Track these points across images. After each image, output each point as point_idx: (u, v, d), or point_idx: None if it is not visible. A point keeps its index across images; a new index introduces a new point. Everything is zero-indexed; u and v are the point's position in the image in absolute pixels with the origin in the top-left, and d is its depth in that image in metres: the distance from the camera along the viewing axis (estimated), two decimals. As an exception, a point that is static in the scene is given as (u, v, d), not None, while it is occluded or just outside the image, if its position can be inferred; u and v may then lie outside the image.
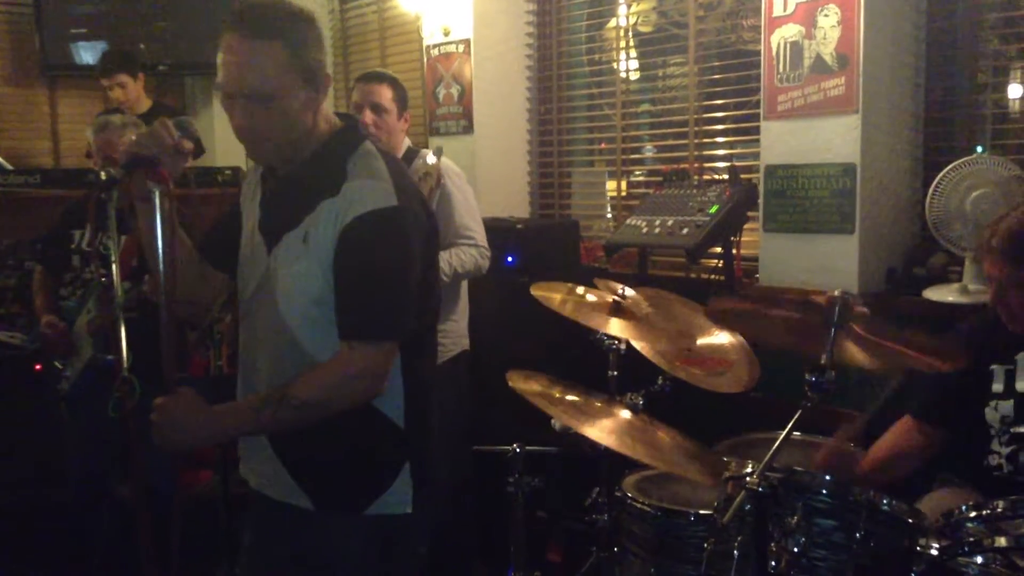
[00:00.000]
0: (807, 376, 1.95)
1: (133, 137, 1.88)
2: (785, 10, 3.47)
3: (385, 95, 3.29)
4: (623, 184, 4.68)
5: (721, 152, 4.21)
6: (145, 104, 5.18)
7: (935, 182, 3.14)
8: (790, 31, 3.46)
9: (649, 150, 4.67)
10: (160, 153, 1.83)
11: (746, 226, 3.75)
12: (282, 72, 1.81)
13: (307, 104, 1.87)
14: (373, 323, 1.86)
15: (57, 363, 3.54)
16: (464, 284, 3.53)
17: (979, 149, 3.43)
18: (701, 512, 2.45)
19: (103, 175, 1.85)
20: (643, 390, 2.71)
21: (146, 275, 3.25)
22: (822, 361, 1.95)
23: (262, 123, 1.85)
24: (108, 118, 3.60)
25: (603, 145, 4.74)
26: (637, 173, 4.71)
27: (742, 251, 3.83)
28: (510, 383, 2.42)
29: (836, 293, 2.01)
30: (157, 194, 1.85)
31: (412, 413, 1.96)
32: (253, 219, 2.02)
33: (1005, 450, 2.42)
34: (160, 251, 1.87)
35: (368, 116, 3.23)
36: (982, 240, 2.47)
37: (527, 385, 2.44)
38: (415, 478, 1.95)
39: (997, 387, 2.45)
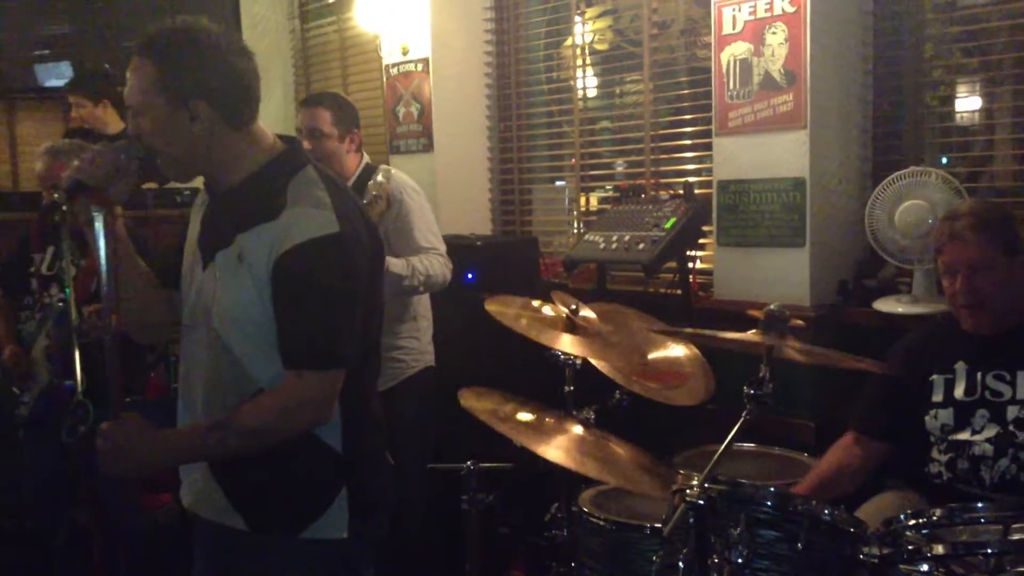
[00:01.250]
0: (746, 389, 1.99)
1: (76, 163, 1.90)
2: (734, 28, 3.53)
3: (324, 119, 3.27)
4: (582, 200, 4.73)
5: (677, 168, 4.26)
6: (116, 126, 5.14)
7: (872, 196, 3.22)
8: (739, 49, 3.53)
9: (615, 165, 4.72)
10: (101, 178, 1.85)
11: (702, 240, 3.81)
12: (146, 90, 1.87)
13: (181, 127, 1.87)
14: (319, 352, 1.87)
15: (15, 388, 3.53)
16: (426, 301, 3.55)
17: (944, 160, 3.51)
18: (655, 525, 2.48)
19: (54, 197, 1.87)
20: (597, 405, 2.75)
21: (91, 306, 3.24)
22: (760, 373, 2.00)
23: (143, 134, 1.90)
24: (56, 143, 3.61)
25: (573, 161, 4.79)
26: (606, 187, 4.75)
27: (699, 265, 3.89)
28: (462, 402, 2.44)
29: (772, 307, 2.05)
30: (100, 218, 1.86)
31: (351, 438, 1.96)
32: (194, 236, 2.04)
33: (944, 457, 2.46)
34: (104, 274, 1.88)
35: (306, 143, 3.22)
36: (941, 234, 2.49)
37: (479, 403, 2.46)
38: (352, 503, 1.95)
39: (937, 397, 2.50)
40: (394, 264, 3.17)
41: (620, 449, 2.45)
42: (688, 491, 1.84)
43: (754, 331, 2.07)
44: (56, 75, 6.00)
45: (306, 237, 1.82)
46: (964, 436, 2.44)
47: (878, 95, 3.59)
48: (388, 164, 4.86)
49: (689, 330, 2.40)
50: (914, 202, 3.11)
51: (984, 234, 2.40)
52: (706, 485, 1.86)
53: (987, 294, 2.41)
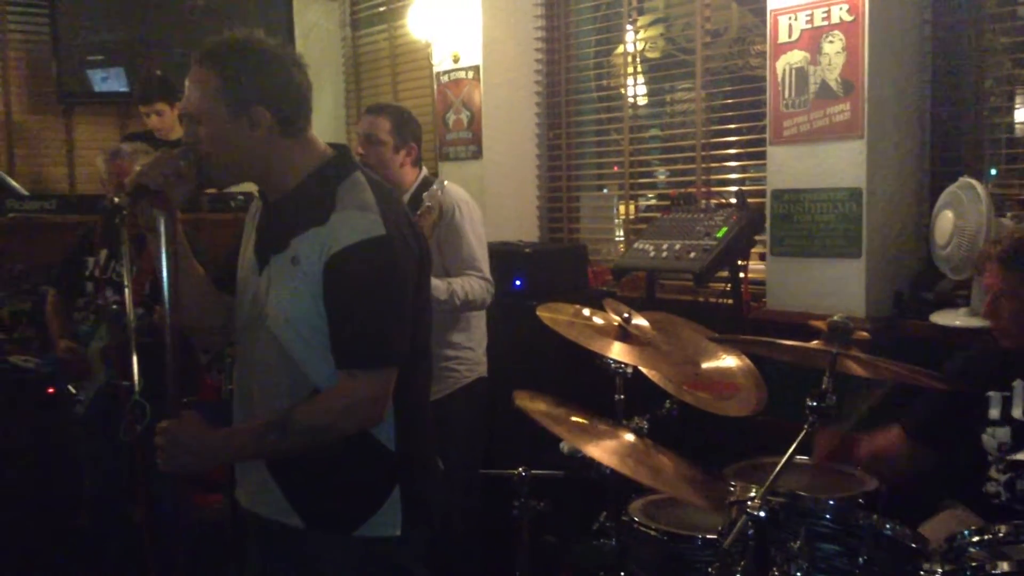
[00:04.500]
0: (808, 401, 1.97)
1: (138, 168, 1.93)
2: (790, 36, 3.51)
3: (382, 127, 3.30)
4: (631, 208, 4.72)
5: (728, 176, 4.23)
6: (177, 132, 5.23)
7: (936, 207, 3.18)
8: (795, 57, 3.50)
9: (660, 174, 4.70)
10: (164, 182, 1.89)
11: (754, 250, 3.77)
12: (208, 97, 1.91)
13: (241, 133, 1.91)
14: (370, 351, 1.89)
15: (71, 387, 3.58)
16: (481, 313, 3.54)
17: (993, 172, 3.45)
18: (708, 536, 2.45)
19: (115, 200, 1.90)
20: (649, 414, 2.73)
21: (157, 305, 3.30)
22: (823, 385, 1.97)
23: (200, 142, 1.93)
24: (119, 146, 3.66)
25: (616, 168, 4.79)
26: (649, 196, 4.74)
27: (750, 275, 3.85)
28: (516, 402, 2.43)
29: (836, 318, 2.02)
30: (162, 222, 1.89)
31: (404, 437, 1.98)
32: (250, 243, 2.07)
33: (1003, 477, 2.41)
34: (164, 277, 1.91)
35: (360, 148, 3.26)
36: (984, 251, 2.51)
37: (533, 405, 2.45)
38: (405, 502, 1.98)
39: (993, 413, 2.45)
40: (435, 287, 3.18)
41: (672, 459, 2.43)
42: (749, 503, 1.81)
43: (817, 341, 2.05)
44: (110, 81, 6.11)
45: (353, 240, 1.86)
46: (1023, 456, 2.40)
47: (936, 105, 3.54)
48: (437, 171, 4.90)
49: (750, 337, 2.36)
50: (946, 212, 3.08)
51: (1011, 267, 2.39)
52: (767, 497, 1.83)
53: (1005, 320, 2.42)
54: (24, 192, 5.26)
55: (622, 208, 4.80)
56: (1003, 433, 2.43)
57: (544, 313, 2.79)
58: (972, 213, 2.99)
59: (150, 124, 5.20)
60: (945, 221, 3.09)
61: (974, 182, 3.07)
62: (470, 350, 3.45)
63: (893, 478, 2.57)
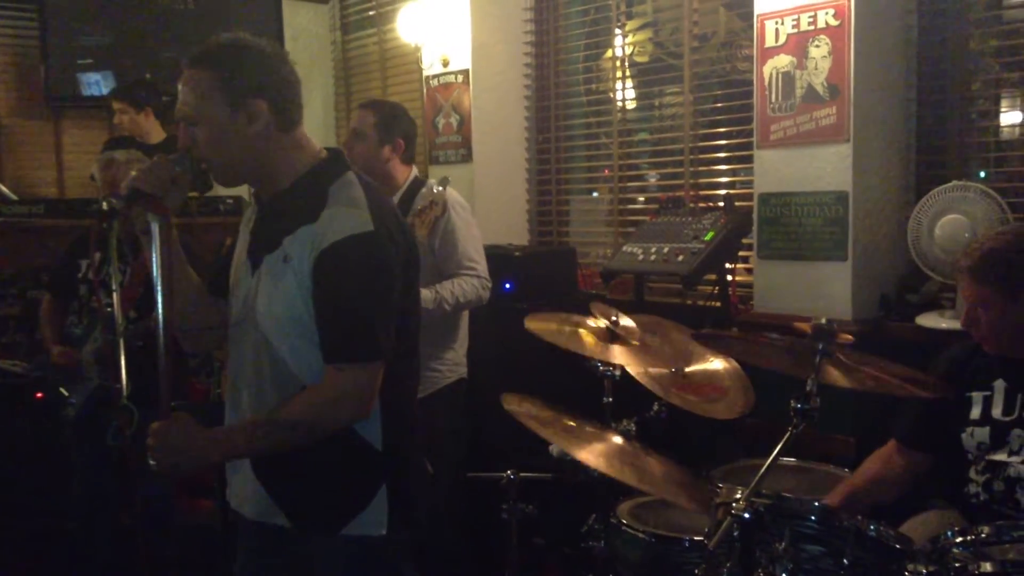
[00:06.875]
0: (793, 403, 1.98)
1: (134, 172, 1.94)
2: (777, 41, 3.53)
3: (365, 121, 3.27)
4: (620, 211, 4.73)
5: (716, 180, 4.26)
6: (154, 136, 5.23)
7: (915, 210, 3.20)
8: (782, 62, 3.52)
9: (648, 177, 4.72)
10: (159, 187, 1.90)
11: (741, 253, 3.79)
12: (204, 96, 1.92)
13: (239, 129, 1.93)
14: (357, 345, 1.91)
15: (63, 390, 3.58)
16: (465, 314, 3.55)
17: (982, 175, 3.48)
18: (695, 538, 2.47)
19: (105, 205, 1.91)
20: (636, 417, 2.74)
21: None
22: (807, 388, 1.98)
23: (200, 146, 1.95)
24: (112, 155, 3.67)
25: (607, 172, 4.80)
26: (638, 200, 4.75)
27: (738, 278, 3.87)
28: (505, 405, 2.44)
29: (821, 321, 2.04)
30: (157, 226, 1.90)
31: (390, 436, 2.00)
32: (244, 245, 2.09)
33: (981, 478, 2.42)
34: (158, 281, 1.92)
35: (347, 143, 3.26)
36: (957, 261, 2.51)
37: (521, 407, 2.46)
38: (392, 501, 1.99)
39: (974, 413, 2.46)
40: (422, 298, 3.18)
41: (659, 461, 2.44)
42: (734, 505, 1.83)
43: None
44: (99, 84, 6.11)
45: (342, 235, 1.89)
46: (1001, 457, 2.40)
47: (922, 109, 3.57)
48: (427, 175, 4.91)
49: (736, 332, 2.38)
50: (953, 216, 3.09)
51: (982, 279, 2.39)
52: (752, 499, 1.85)
53: (983, 327, 2.43)
54: (12, 196, 5.25)
55: (611, 212, 4.81)
56: (982, 433, 2.43)
57: (532, 324, 2.80)
58: (987, 216, 3.00)
59: (115, 122, 5.17)
60: (956, 227, 3.07)
61: (982, 186, 3.09)
62: (452, 351, 3.46)
63: (891, 498, 2.56)
